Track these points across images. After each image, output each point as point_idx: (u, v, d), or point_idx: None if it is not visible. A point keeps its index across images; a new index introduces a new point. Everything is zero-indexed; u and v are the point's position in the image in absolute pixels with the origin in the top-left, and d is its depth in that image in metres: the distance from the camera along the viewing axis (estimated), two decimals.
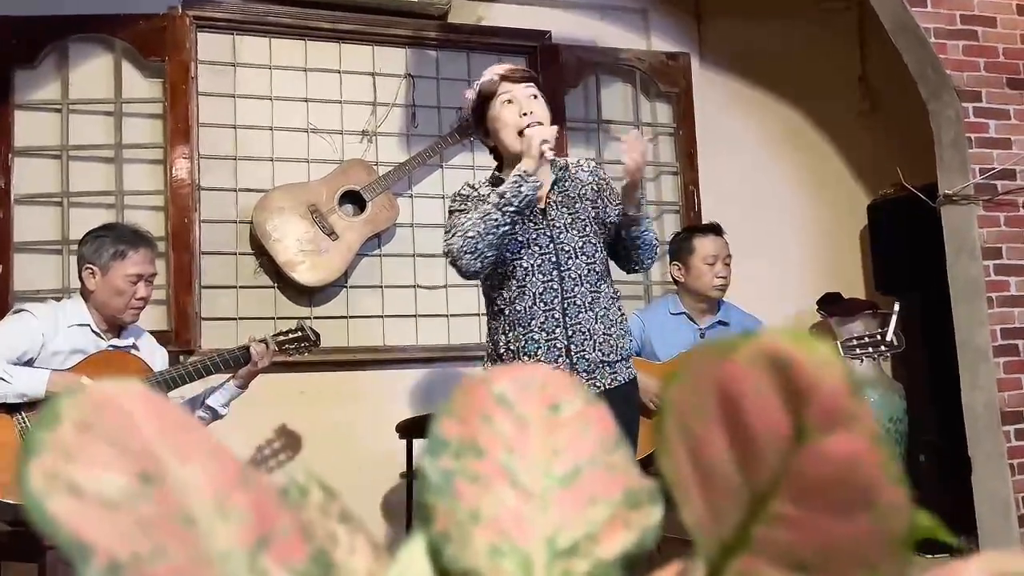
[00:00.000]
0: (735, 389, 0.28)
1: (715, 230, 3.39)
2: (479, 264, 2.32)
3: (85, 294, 2.69)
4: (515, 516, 0.30)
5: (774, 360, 0.28)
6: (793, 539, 0.28)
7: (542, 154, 2.32)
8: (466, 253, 2.30)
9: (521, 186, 2.29)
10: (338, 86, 3.82)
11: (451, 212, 2.47)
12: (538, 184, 2.33)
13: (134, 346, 2.76)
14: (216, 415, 2.81)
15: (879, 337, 3.13)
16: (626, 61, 4.20)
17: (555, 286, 2.40)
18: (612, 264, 2.56)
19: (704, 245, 3.32)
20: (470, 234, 2.31)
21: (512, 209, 2.29)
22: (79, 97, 3.53)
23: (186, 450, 0.28)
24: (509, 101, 2.44)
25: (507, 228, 2.32)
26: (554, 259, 2.41)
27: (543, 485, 0.32)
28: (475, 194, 2.46)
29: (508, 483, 0.31)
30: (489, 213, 2.30)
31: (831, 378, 0.27)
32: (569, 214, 2.45)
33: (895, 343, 3.11)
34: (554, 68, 3.99)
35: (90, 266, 2.66)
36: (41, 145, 3.48)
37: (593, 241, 2.46)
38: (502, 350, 2.43)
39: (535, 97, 2.45)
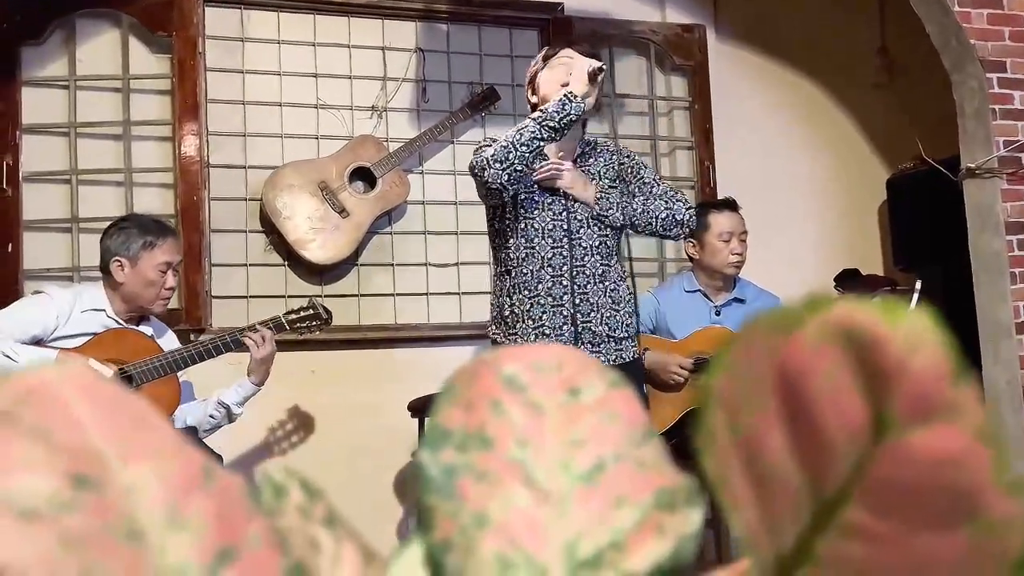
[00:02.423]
0: (798, 371, 0.23)
1: (730, 206, 3.32)
2: (505, 176, 2.26)
3: (113, 285, 2.66)
4: (528, 520, 0.26)
5: (850, 334, 0.22)
6: (869, 555, 0.23)
7: (592, 77, 2.32)
8: (496, 162, 2.25)
9: (565, 104, 2.27)
10: (347, 61, 3.76)
11: (480, 149, 2.44)
12: (583, 108, 2.31)
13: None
14: (230, 413, 2.75)
15: None
16: (640, 33, 4.12)
17: (564, 252, 2.38)
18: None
19: (719, 221, 3.25)
20: (502, 143, 2.27)
21: (551, 124, 2.26)
22: (86, 73, 3.48)
23: (138, 448, 0.24)
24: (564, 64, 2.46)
25: (540, 144, 2.28)
26: (565, 226, 2.40)
27: (561, 483, 0.27)
28: None
29: (520, 481, 0.26)
30: (526, 125, 2.28)
31: (925, 357, 0.22)
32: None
33: None
34: (566, 41, 3.91)
35: (119, 258, 2.63)
36: (49, 122, 3.44)
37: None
38: (506, 312, 2.42)
39: None
